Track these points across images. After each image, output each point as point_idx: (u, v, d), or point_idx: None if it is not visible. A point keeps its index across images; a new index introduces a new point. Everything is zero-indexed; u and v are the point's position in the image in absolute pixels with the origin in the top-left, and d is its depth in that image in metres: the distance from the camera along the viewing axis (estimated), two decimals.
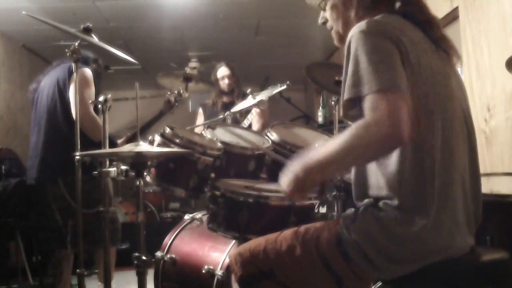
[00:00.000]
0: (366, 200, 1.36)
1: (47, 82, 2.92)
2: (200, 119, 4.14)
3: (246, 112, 3.58)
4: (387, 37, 1.26)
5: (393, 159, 1.29)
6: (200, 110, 4.22)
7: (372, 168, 1.35)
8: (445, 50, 1.40)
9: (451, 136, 1.31)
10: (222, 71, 4.07)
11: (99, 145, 2.26)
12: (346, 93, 1.27)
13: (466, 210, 1.33)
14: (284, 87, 2.92)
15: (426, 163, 1.27)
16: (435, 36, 1.39)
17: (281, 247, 1.42)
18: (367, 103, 1.20)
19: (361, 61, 1.24)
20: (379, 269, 1.30)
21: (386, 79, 1.20)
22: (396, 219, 1.27)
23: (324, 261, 1.36)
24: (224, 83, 4.04)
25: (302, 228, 1.44)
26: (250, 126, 3.62)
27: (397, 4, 1.39)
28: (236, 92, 4.04)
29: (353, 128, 1.21)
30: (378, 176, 1.33)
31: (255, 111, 3.53)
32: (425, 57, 1.31)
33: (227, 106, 4.04)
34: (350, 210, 1.39)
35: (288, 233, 1.45)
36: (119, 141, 3.11)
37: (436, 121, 1.28)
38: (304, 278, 1.41)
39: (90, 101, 2.67)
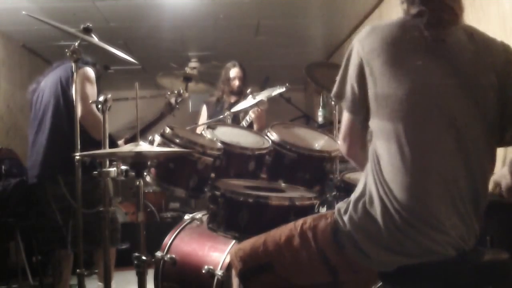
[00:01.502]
0: (358, 192, 1.41)
1: (48, 82, 2.92)
2: (203, 117, 4.14)
3: (245, 113, 3.58)
4: (359, 50, 1.41)
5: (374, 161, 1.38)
6: (204, 108, 4.21)
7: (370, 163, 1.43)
8: (455, 59, 1.39)
9: (421, 141, 1.33)
10: (235, 72, 4.05)
11: (100, 145, 2.26)
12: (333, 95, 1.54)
13: (457, 212, 1.32)
14: (283, 89, 2.92)
15: (395, 166, 1.33)
16: (445, 47, 1.39)
17: (280, 238, 1.48)
18: None
19: (342, 73, 1.48)
20: (370, 258, 1.35)
21: (341, 93, 1.47)
22: (379, 213, 1.33)
23: (320, 249, 1.42)
24: (235, 84, 4.03)
25: (301, 220, 1.50)
26: (251, 126, 3.62)
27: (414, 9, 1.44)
28: (243, 92, 4.05)
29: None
30: (370, 170, 1.40)
31: (252, 112, 3.53)
32: (410, 60, 1.37)
33: (232, 106, 4.04)
34: (345, 201, 1.44)
35: (287, 225, 1.52)
36: (119, 142, 3.10)
37: (402, 124, 1.33)
38: (302, 270, 1.46)
39: (91, 101, 2.67)
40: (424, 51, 1.38)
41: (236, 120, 3.71)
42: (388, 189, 1.32)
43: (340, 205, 1.44)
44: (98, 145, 2.24)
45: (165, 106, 3.36)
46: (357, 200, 1.39)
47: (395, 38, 1.40)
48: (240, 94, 4.03)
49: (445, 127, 1.34)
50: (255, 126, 3.66)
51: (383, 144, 1.35)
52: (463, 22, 1.46)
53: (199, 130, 2.95)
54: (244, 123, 3.60)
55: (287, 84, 2.92)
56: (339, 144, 1.54)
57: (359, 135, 1.48)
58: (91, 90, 2.77)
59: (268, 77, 4.23)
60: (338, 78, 1.48)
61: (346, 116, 1.49)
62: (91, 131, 2.68)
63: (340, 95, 1.48)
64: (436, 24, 1.40)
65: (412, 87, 1.34)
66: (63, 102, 2.80)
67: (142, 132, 2.88)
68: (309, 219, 1.48)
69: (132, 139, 3.07)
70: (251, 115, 3.57)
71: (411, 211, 1.30)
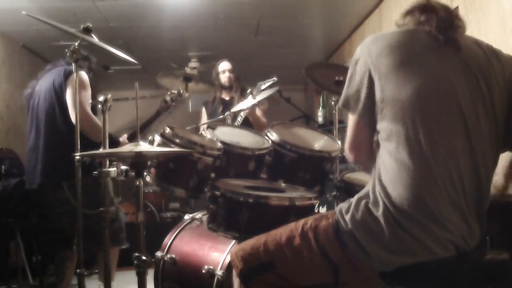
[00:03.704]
0: (362, 193, 1.42)
1: (42, 86, 2.92)
2: (204, 118, 4.18)
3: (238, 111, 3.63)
4: (366, 56, 1.41)
5: (379, 158, 1.40)
6: (203, 109, 4.28)
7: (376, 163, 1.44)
8: (466, 59, 1.42)
9: (431, 139, 1.33)
10: (224, 65, 4.16)
11: (99, 146, 2.26)
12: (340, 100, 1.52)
13: (460, 211, 1.33)
14: (271, 82, 2.95)
15: (402, 164, 1.33)
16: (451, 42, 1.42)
17: (281, 238, 1.49)
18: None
19: (349, 79, 1.46)
20: (371, 257, 1.35)
21: (348, 101, 1.45)
22: (381, 212, 1.34)
23: (321, 249, 1.42)
24: (225, 76, 4.13)
25: (302, 220, 1.50)
26: (246, 124, 3.64)
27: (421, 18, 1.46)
28: (235, 87, 4.10)
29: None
30: (375, 170, 1.42)
31: (244, 112, 3.58)
32: (419, 60, 1.38)
33: (226, 103, 4.07)
34: (347, 202, 1.45)
35: (288, 225, 1.52)
36: (121, 138, 3.09)
37: (414, 120, 1.34)
38: (303, 269, 1.47)
39: (90, 102, 2.67)
40: (436, 50, 1.40)
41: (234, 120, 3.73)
42: (393, 187, 1.33)
43: (342, 206, 1.45)
44: (98, 147, 2.24)
45: (160, 104, 3.38)
46: (360, 200, 1.40)
47: (403, 41, 1.42)
48: (231, 89, 4.08)
49: (456, 125, 1.36)
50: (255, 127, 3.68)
51: (390, 145, 1.36)
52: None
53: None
54: (239, 120, 3.64)
55: (274, 78, 2.95)
56: (345, 153, 1.52)
57: (367, 142, 1.47)
58: (85, 94, 2.78)
59: (267, 77, 4.25)
60: (345, 86, 1.47)
61: (354, 123, 1.46)
62: (90, 136, 2.69)
63: (348, 103, 1.46)
64: (446, 27, 1.42)
65: (422, 86, 1.35)
66: (58, 108, 2.81)
67: (139, 130, 2.88)
68: (310, 220, 1.48)
69: (134, 135, 3.09)
70: (241, 115, 3.63)
71: (414, 206, 1.30)
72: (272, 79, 2.97)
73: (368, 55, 1.41)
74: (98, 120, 2.71)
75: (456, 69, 1.39)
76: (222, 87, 4.14)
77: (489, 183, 1.41)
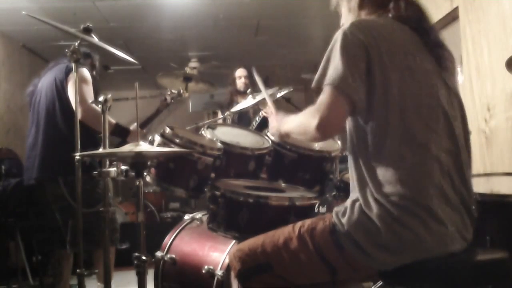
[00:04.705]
0: (353, 196, 1.43)
1: (44, 83, 2.93)
2: (220, 121, 4.24)
3: (254, 113, 3.66)
4: (361, 41, 1.37)
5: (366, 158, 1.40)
6: (219, 113, 4.43)
7: (359, 165, 1.42)
8: (439, 56, 1.47)
9: (423, 136, 1.36)
10: (240, 72, 4.32)
11: (99, 145, 2.26)
12: (313, 83, 1.46)
13: (452, 205, 1.36)
14: (287, 91, 2.98)
15: (396, 159, 1.35)
16: (430, 43, 1.47)
17: (278, 240, 1.49)
18: (321, 95, 1.41)
19: (332, 59, 1.40)
20: (371, 258, 1.35)
21: (339, 81, 1.36)
22: (375, 212, 1.34)
23: (318, 251, 1.42)
24: (241, 82, 4.27)
25: (299, 222, 1.51)
26: (262, 126, 3.67)
27: (398, 10, 1.48)
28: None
29: (304, 114, 1.46)
30: (361, 172, 1.41)
31: (263, 112, 3.64)
32: (405, 58, 1.40)
33: None
34: (342, 205, 1.45)
35: (285, 228, 1.52)
36: (131, 127, 3.08)
37: (409, 117, 1.36)
38: (301, 270, 1.47)
39: (91, 101, 2.68)
40: (423, 52, 1.44)
41: (245, 119, 3.76)
42: (388, 183, 1.34)
43: (338, 209, 1.45)
44: (97, 145, 2.25)
45: (160, 102, 3.40)
46: (354, 203, 1.41)
47: (400, 40, 1.43)
48: (246, 94, 4.18)
49: (443, 126, 1.40)
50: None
51: (385, 140, 1.36)
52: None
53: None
54: (254, 124, 3.67)
55: (290, 88, 2.99)
56: (312, 127, 1.39)
57: (342, 125, 1.43)
58: (87, 90, 2.78)
59: (268, 77, 4.28)
60: (337, 62, 1.38)
61: (334, 99, 1.37)
62: (97, 128, 2.69)
63: (339, 80, 1.35)
64: (427, 28, 1.48)
65: (414, 87, 1.39)
66: (59, 105, 2.82)
67: (140, 127, 2.89)
68: (307, 222, 1.49)
69: (143, 124, 3.12)
70: (260, 115, 3.66)
71: (410, 200, 1.32)
72: (288, 88, 3.01)
73: (363, 36, 1.37)
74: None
75: (437, 73, 1.44)
76: (238, 92, 4.28)
77: (471, 180, 1.46)
